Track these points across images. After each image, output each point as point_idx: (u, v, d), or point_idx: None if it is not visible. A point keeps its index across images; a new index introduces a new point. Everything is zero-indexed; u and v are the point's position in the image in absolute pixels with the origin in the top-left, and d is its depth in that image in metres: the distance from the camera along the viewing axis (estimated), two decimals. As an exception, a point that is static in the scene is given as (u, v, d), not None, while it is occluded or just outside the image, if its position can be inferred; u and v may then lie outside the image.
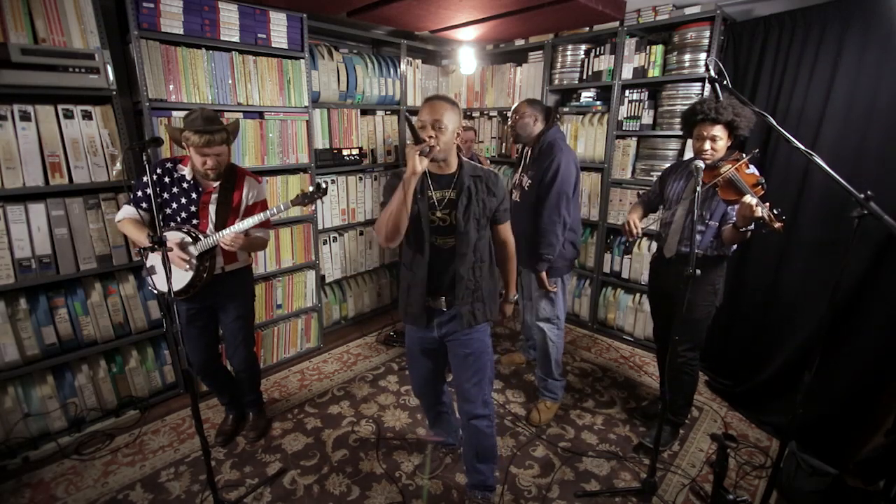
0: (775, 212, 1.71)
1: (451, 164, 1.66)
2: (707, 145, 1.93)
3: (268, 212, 1.98)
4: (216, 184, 2.00)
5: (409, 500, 2.00)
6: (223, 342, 2.29)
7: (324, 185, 1.99)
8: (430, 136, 1.53)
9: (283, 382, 2.89)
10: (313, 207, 3.08)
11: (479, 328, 1.77)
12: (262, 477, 2.10)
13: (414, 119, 1.52)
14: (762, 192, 1.80)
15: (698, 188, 1.71)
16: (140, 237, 1.92)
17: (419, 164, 1.47)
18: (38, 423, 2.24)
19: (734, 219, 1.89)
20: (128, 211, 1.98)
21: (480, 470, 1.89)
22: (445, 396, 2.10)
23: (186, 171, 1.98)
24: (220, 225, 1.99)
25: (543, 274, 2.34)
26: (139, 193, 1.98)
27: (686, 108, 2.06)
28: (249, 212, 2.08)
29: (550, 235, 2.26)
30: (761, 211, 1.70)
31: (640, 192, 2.97)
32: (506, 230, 1.81)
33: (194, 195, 1.99)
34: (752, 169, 1.88)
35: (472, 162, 1.72)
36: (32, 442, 2.22)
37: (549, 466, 2.20)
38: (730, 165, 1.88)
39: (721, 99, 1.91)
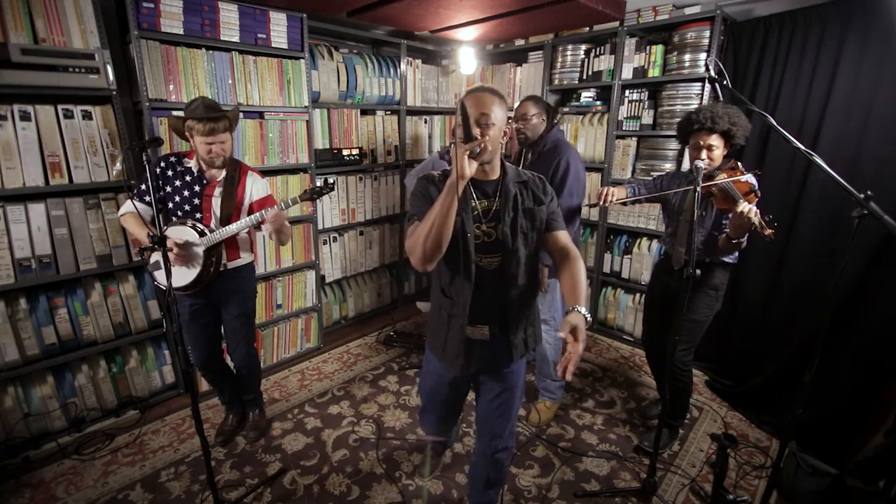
0: (766, 219, 1.71)
1: (496, 168, 1.43)
2: (703, 154, 1.92)
3: (279, 205, 1.98)
4: (220, 177, 2.01)
5: (409, 500, 2.00)
6: (225, 338, 2.29)
7: (332, 181, 1.99)
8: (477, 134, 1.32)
9: (283, 382, 2.89)
10: (313, 207, 3.08)
11: (521, 360, 1.57)
12: (262, 477, 2.10)
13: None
14: (755, 199, 1.80)
15: (698, 188, 1.71)
16: (140, 234, 1.93)
17: (468, 167, 1.25)
18: (39, 423, 2.24)
19: (727, 230, 1.89)
20: (128, 206, 2.00)
21: (488, 494, 1.74)
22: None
23: (192, 164, 2.00)
24: (224, 219, 2.00)
25: (546, 271, 2.30)
26: (142, 186, 1.99)
27: (682, 117, 2.04)
28: (252, 208, 2.09)
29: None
30: (754, 219, 1.70)
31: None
32: (564, 237, 1.47)
33: (198, 188, 2.00)
34: (747, 177, 1.87)
35: (514, 166, 1.52)
36: (32, 442, 2.22)
37: (549, 466, 2.20)
38: (725, 175, 1.88)
39: (721, 99, 1.91)
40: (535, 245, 1.47)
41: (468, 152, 1.25)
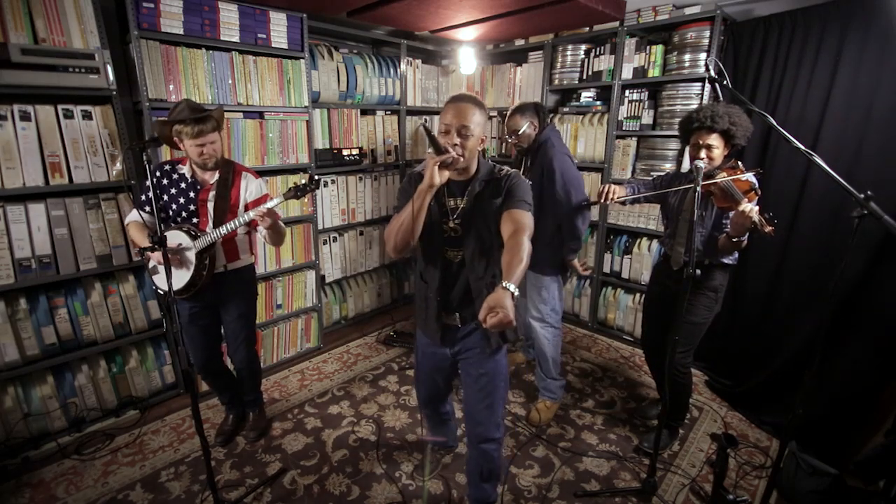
0: (767, 216, 1.71)
1: (471, 170, 1.52)
2: (703, 154, 1.92)
3: (272, 202, 1.93)
4: (213, 181, 2.01)
5: (409, 500, 2.01)
6: (225, 340, 2.29)
7: (316, 178, 1.97)
8: (455, 144, 1.40)
9: (283, 382, 2.89)
10: (313, 207, 3.08)
11: (498, 349, 1.64)
12: (262, 477, 2.10)
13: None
14: (755, 197, 1.80)
15: (698, 188, 1.71)
16: (142, 239, 1.95)
17: (437, 177, 1.36)
18: (39, 423, 2.24)
19: (728, 228, 1.89)
20: (132, 216, 2.04)
21: (484, 488, 1.81)
22: (448, 405, 2.07)
23: (186, 169, 2.00)
24: (219, 222, 1.99)
25: (575, 261, 2.40)
26: (142, 197, 2.02)
27: (683, 115, 2.05)
28: (248, 209, 2.08)
29: (574, 229, 2.29)
30: (755, 216, 1.70)
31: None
32: (517, 216, 1.42)
33: (192, 193, 2.00)
34: (747, 176, 1.86)
35: (491, 164, 1.57)
36: (32, 442, 2.22)
37: (549, 466, 2.20)
38: (724, 174, 1.88)
39: (721, 99, 1.91)
40: (497, 240, 1.48)
41: (438, 163, 1.35)
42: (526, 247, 1.32)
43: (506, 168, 1.55)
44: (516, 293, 1.21)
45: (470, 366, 1.66)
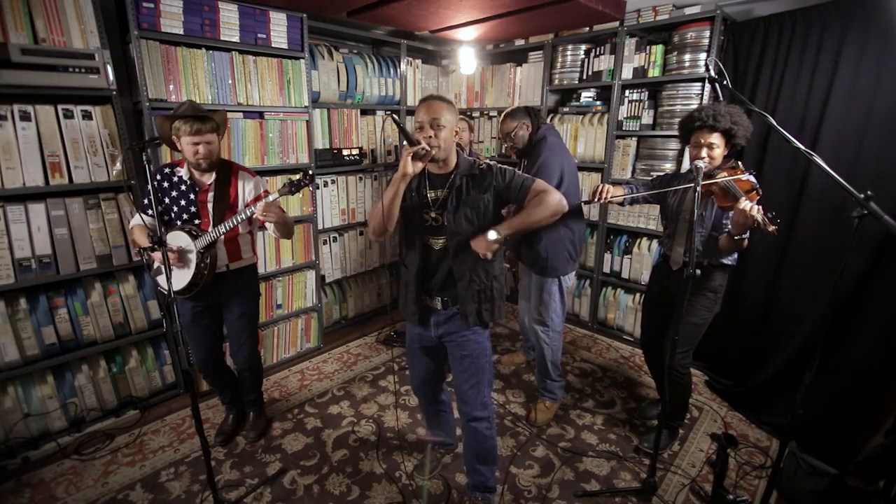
0: (769, 215, 1.71)
1: (450, 163, 1.64)
2: (704, 153, 1.92)
3: (270, 197, 1.93)
4: (211, 181, 2.01)
5: (409, 500, 2.00)
6: (227, 340, 2.29)
7: (311, 172, 1.96)
8: (430, 136, 1.52)
9: (283, 382, 2.89)
10: (313, 207, 3.08)
11: (477, 329, 1.73)
12: (262, 477, 2.10)
13: (408, 122, 1.48)
14: (757, 197, 1.80)
15: (698, 188, 1.71)
16: (143, 240, 1.97)
17: (410, 166, 1.48)
18: (38, 423, 2.24)
19: (728, 228, 1.89)
20: (135, 220, 2.07)
21: (481, 471, 1.89)
22: (444, 395, 2.10)
23: (183, 172, 2.00)
24: (220, 222, 2.00)
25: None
26: (144, 201, 2.04)
27: (684, 115, 2.04)
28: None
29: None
30: (757, 215, 1.70)
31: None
32: (537, 187, 1.58)
33: (192, 195, 2.00)
34: (748, 176, 1.86)
35: (471, 159, 1.67)
36: (32, 442, 2.22)
37: (549, 466, 2.20)
38: (725, 174, 1.88)
39: (721, 99, 1.90)
40: (479, 230, 1.60)
41: (411, 154, 1.48)
42: (546, 198, 1.54)
43: (484, 162, 1.65)
44: (494, 237, 1.50)
45: (454, 348, 1.77)
